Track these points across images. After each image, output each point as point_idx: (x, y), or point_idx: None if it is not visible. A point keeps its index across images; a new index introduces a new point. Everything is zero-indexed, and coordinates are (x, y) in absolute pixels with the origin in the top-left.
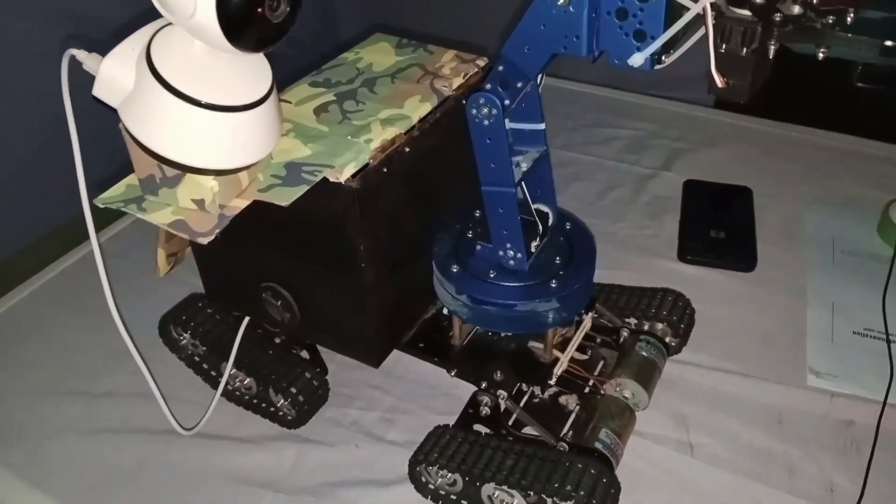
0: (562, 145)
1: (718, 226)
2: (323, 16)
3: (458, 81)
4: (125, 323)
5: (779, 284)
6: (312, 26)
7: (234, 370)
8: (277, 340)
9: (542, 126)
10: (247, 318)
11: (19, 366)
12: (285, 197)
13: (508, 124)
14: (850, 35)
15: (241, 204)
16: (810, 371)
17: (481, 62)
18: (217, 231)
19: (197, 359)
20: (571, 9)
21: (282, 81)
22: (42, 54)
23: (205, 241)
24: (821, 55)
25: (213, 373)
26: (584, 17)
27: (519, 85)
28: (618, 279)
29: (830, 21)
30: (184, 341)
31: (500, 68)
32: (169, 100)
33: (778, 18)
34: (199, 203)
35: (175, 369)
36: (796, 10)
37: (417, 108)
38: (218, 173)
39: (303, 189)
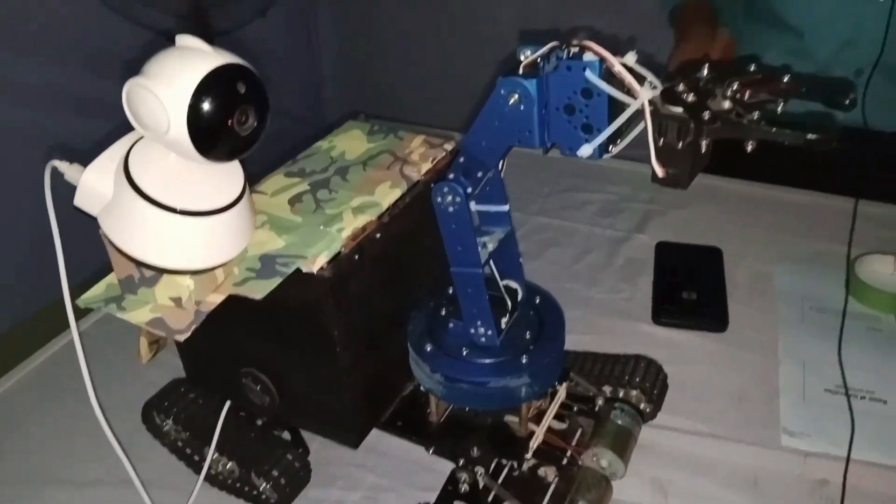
0: (538, 211)
1: (690, 287)
2: (313, 103)
3: (426, 166)
4: (106, 411)
5: (751, 343)
6: (302, 110)
7: (216, 454)
8: (259, 422)
9: (507, 207)
10: (228, 402)
11: (5, 455)
12: (260, 290)
13: (474, 206)
14: (774, 129)
15: (216, 299)
16: (784, 431)
17: (448, 146)
18: (194, 327)
19: (180, 444)
20: (522, 107)
21: (273, 160)
22: (26, 163)
23: (182, 338)
24: (749, 147)
25: (196, 458)
26: (535, 113)
27: (480, 174)
28: (595, 344)
29: (756, 116)
30: (166, 427)
31: (462, 160)
32: (145, 208)
33: (706, 116)
34: (177, 300)
35: (160, 454)
36: (726, 105)
37: (388, 195)
38: (194, 273)
39: (277, 281)
